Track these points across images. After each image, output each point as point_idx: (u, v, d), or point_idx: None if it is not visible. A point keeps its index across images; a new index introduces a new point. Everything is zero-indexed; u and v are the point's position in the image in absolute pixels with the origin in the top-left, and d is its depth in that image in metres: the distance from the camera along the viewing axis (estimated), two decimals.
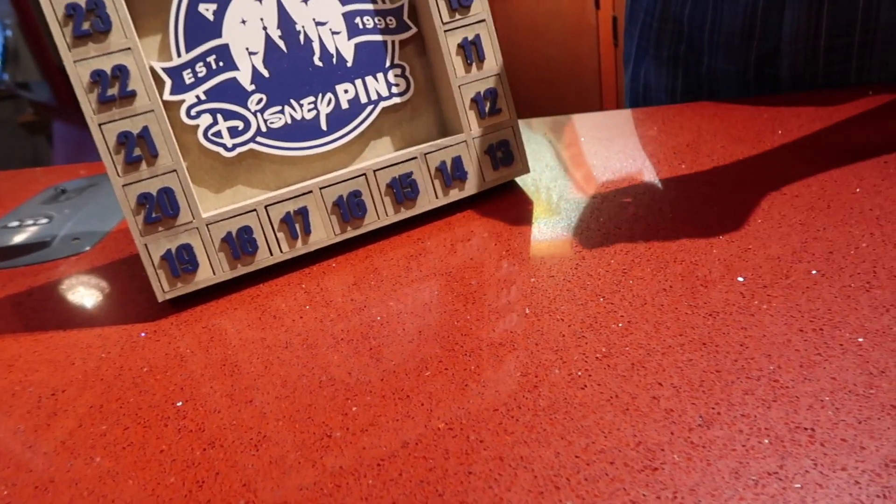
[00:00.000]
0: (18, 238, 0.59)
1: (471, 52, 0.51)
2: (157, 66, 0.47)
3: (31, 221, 0.62)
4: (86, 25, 0.43)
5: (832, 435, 0.28)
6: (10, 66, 1.91)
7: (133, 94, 0.45)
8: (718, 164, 0.53)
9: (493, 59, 0.52)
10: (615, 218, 0.48)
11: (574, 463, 0.29)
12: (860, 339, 0.33)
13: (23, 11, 1.80)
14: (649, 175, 0.53)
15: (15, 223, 0.62)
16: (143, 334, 0.45)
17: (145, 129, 0.45)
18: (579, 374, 0.34)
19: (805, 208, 0.44)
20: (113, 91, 0.44)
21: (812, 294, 0.37)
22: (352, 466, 0.31)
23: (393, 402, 0.35)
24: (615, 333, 0.37)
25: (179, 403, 0.38)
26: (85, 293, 0.52)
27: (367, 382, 0.37)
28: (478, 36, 0.51)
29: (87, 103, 0.44)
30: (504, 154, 0.53)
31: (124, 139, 0.45)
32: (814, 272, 0.38)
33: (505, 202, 0.53)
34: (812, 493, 0.26)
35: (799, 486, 0.26)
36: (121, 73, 0.44)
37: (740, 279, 0.39)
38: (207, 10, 0.48)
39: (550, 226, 0.49)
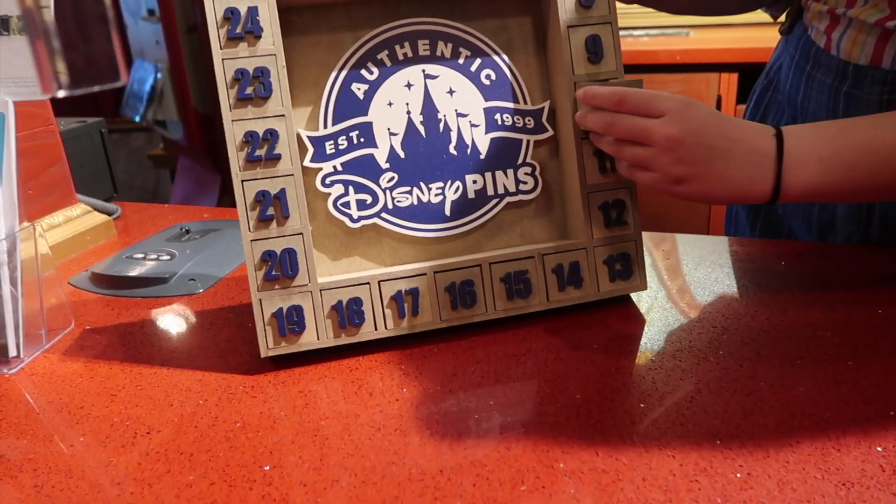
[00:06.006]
0: (141, 270, 0.62)
1: (605, 160, 0.51)
2: (304, 133, 0.49)
3: (154, 256, 0.65)
4: (249, 90, 0.46)
5: None
6: (154, 105, 2.08)
7: (278, 158, 0.47)
8: (854, 313, 0.49)
9: None
10: (736, 354, 0.45)
11: None
12: None
13: (175, 58, 1.97)
14: (776, 313, 0.51)
15: (140, 255, 0.65)
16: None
17: (283, 190, 0.47)
18: None
19: None
20: (261, 152, 0.46)
21: None
22: None
23: None
24: (732, 484, 0.34)
25: (267, 468, 0.37)
26: (192, 335, 0.54)
27: (459, 485, 0.35)
28: None
29: (235, 160, 0.46)
30: (623, 267, 0.52)
31: (261, 197, 0.47)
32: None
33: (618, 316, 0.51)
34: None
35: None
36: (271, 136, 0.47)
37: (879, 449, 0.36)
38: (359, 90, 0.50)
39: (664, 350, 0.47)
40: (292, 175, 0.47)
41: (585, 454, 0.37)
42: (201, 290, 0.60)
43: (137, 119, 2.03)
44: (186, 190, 2.24)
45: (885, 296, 0.52)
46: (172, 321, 0.56)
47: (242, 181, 0.47)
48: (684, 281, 0.57)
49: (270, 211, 0.47)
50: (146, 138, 2.75)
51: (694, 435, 0.38)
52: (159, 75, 2.04)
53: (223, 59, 0.46)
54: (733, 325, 0.49)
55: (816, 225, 0.65)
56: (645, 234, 0.67)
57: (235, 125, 0.47)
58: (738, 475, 0.34)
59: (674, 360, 0.45)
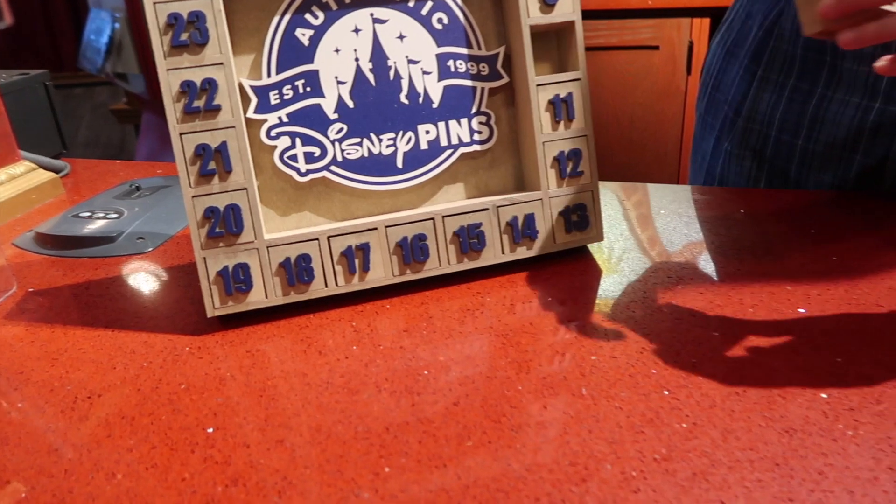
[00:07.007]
0: (87, 229, 0.60)
1: (561, 109, 0.49)
2: (247, 83, 0.47)
3: (101, 214, 0.62)
4: (184, 36, 0.44)
5: None
6: (112, 57, 2.00)
7: (218, 109, 0.45)
8: (808, 261, 0.49)
9: (582, 120, 0.50)
10: (689, 304, 0.45)
11: None
12: None
13: (133, 6, 1.89)
14: (732, 261, 0.50)
15: (87, 213, 0.63)
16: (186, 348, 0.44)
17: (224, 144, 0.45)
18: (634, 474, 0.32)
19: None
20: (199, 103, 0.44)
21: None
22: None
23: (428, 469, 0.33)
24: (678, 434, 0.34)
25: (210, 430, 0.37)
26: (138, 296, 0.52)
27: (405, 442, 0.35)
28: (570, 94, 0.49)
29: (172, 111, 0.44)
30: (579, 218, 0.51)
31: (202, 151, 0.45)
32: None
33: (573, 268, 0.51)
34: None
35: None
36: (210, 86, 0.44)
37: (823, 395, 0.36)
38: (304, 35, 0.48)
39: (618, 301, 0.46)
40: (234, 127, 0.45)
41: (533, 408, 0.36)
42: (150, 249, 0.58)
43: (94, 72, 1.96)
44: (152, 146, 2.18)
45: (841, 243, 0.52)
46: (119, 282, 0.54)
47: (181, 134, 0.44)
48: (642, 231, 0.57)
49: (212, 165, 0.45)
50: (111, 92, 2.66)
51: (643, 386, 0.37)
52: (117, 25, 1.96)
53: (154, 3, 0.44)
54: (688, 275, 0.49)
55: (856, 172, 0.59)
56: (607, 184, 0.67)
57: (171, 74, 0.44)
58: (684, 425, 0.34)
59: (627, 311, 0.45)
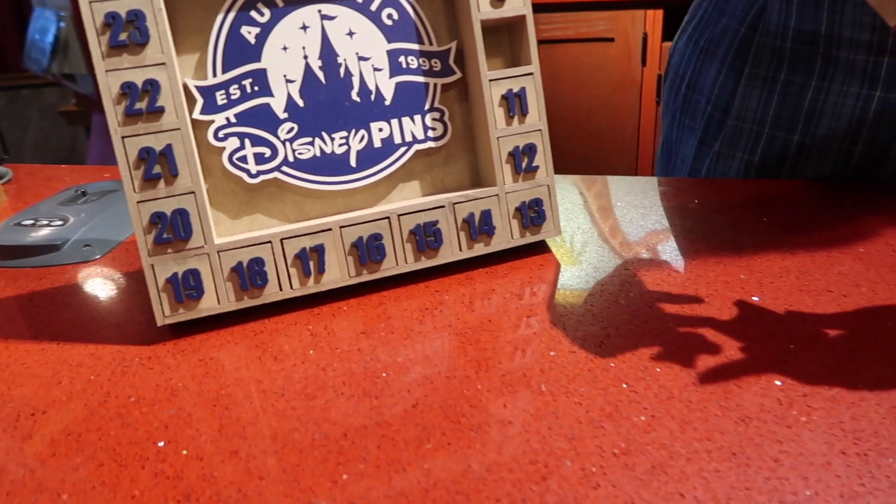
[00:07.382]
0: (31, 237, 0.58)
1: (514, 104, 0.49)
2: (191, 83, 0.46)
3: (45, 221, 0.60)
4: (123, 36, 0.42)
5: None
6: (59, 58, 1.94)
7: (161, 111, 0.43)
8: (762, 248, 0.50)
9: (536, 115, 0.50)
10: (647, 295, 0.45)
11: None
12: None
13: (78, 5, 1.82)
14: (688, 252, 0.51)
15: (30, 221, 0.61)
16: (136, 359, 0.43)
17: (168, 146, 0.43)
18: (594, 470, 0.31)
19: (856, 313, 0.41)
20: (141, 105, 0.43)
21: (857, 412, 0.34)
22: None
23: (387, 474, 0.32)
24: (636, 428, 0.34)
25: (161, 444, 0.35)
26: (85, 306, 0.50)
27: (363, 447, 0.34)
28: (523, 89, 0.49)
29: (112, 114, 0.42)
30: (536, 213, 0.50)
31: (146, 155, 0.43)
32: (861, 387, 0.35)
33: (531, 263, 0.51)
34: None
35: None
36: (152, 87, 0.43)
37: (777, 383, 0.36)
38: (250, 33, 0.47)
39: (577, 295, 0.46)
40: (179, 129, 0.44)
41: (493, 407, 0.36)
42: (98, 257, 0.56)
43: (40, 72, 1.89)
44: (103, 148, 2.12)
45: (792, 230, 0.53)
46: (65, 291, 0.52)
47: (123, 138, 0.43)
48: (600, 224, 0.57)
49: (157, 169, 0.43)
50: (59, 93, 2.58)
51: (601, 380, 0.37)
52: (62, 24, 1.89)
53: (90, 2, 0.42)
54: (645, 267, 0.49)
55: (857, 163, 0.59)
56: (566, 177, 0.67)
57: (110, 76, 0.43)
58: (643, 418, 0.34)
59: (585, 304, 0.45)
